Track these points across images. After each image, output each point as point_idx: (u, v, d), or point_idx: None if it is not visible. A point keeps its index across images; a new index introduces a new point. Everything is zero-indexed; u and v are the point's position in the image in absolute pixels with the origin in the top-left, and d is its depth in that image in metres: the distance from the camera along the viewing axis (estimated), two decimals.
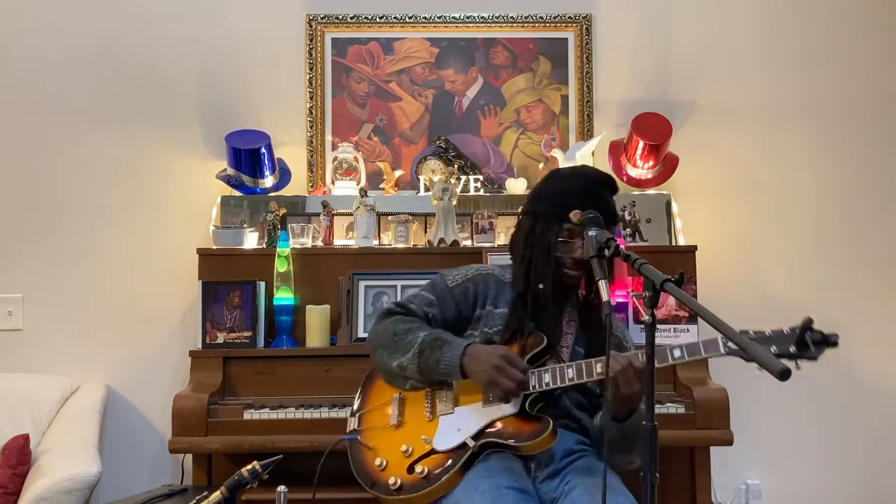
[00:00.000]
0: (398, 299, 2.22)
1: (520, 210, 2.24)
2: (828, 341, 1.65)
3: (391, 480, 1.99)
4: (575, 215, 1.96)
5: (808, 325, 1.66)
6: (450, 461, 1.96)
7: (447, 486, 1.93)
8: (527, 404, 1.98)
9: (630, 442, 1.95)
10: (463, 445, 1.98)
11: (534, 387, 1.96)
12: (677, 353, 1.84)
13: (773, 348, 1.67)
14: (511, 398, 1.97)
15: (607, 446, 1.77)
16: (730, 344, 1.75)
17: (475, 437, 1.98)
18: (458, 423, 2.02)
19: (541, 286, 2.06)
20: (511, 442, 1.93)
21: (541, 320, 2.06)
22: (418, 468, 1.98)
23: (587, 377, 1.92)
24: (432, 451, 2.00)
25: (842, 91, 3.49)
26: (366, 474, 2.05)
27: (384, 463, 2.03)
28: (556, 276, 2.08)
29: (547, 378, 1.96)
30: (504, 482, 1.87)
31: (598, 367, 1.91)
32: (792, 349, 1.67)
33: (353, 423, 2.18)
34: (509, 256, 2.22)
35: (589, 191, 2.08)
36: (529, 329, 2.05)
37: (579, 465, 2.00)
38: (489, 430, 1.98)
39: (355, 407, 2.21)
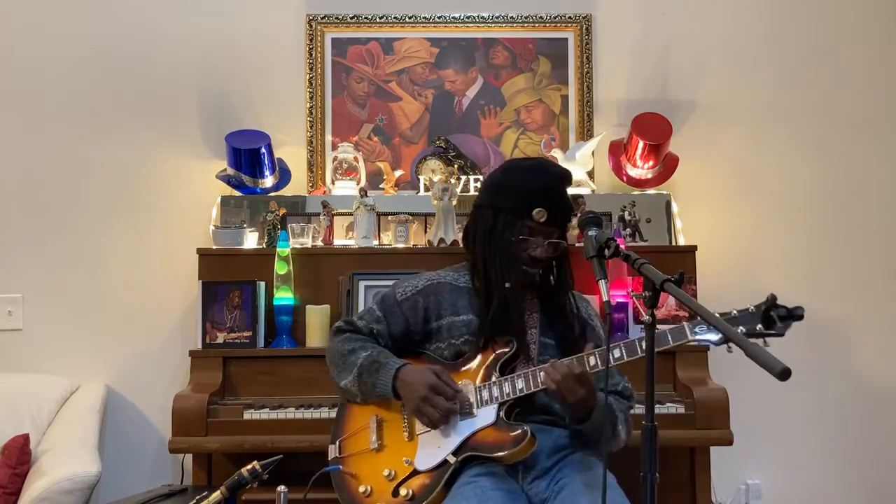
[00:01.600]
0: (349, 317, 2.24)
1: (476, 201, 2.20)
2: (793, 315, 1.66)
3: None
4: (538, 214, 1.97)
5: (772, 303, 1.67)
6: (433, 480, 1.96)
7: None
8: (503, 412, 1.97)
9: (600, 431, 1.95)
10: (444, 463, 1.96)
11: (508, 394, 1.97)
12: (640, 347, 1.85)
13: (742, 329, 1.68)
14: (440, 426, 1.98)
15: (606, 448, 1.77)
16: (696, 329, 1.79)
17: (455, 452, 1.96)
18: (437, 441, 2.00)
19: (507, 285, 2.04)
20: (492, 453, 1.93)
21: (507, 320, 2.05)
22: (403, 491, 1.97)
23: None
24: (415, 472, 1.99)
25: (841, 91, 3.49)
26: (352, 502, 2.05)
27: (369, 489, 2.02)
28: (516, 274, 2.06)
29: (520, 384, 1.96)
30: (489, 485, 1.88)
31: (576, 368, 1.90)
32: (759, 327, 1.69)
33: (333, 451, 2.15)
34: (464, 248, 2.20)
35: (551, 188, 2.07)
36: (496, 333, 2.04)
37: (569, 464, 1.99)
38: (469, 443, 1.97)
39: (335, 433, 2.19)
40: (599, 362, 1.88)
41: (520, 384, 1.96)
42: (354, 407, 2.18)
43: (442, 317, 2.12)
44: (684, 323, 1.83)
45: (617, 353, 1.87)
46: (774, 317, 1.67)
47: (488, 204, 2.13)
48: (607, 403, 1.97)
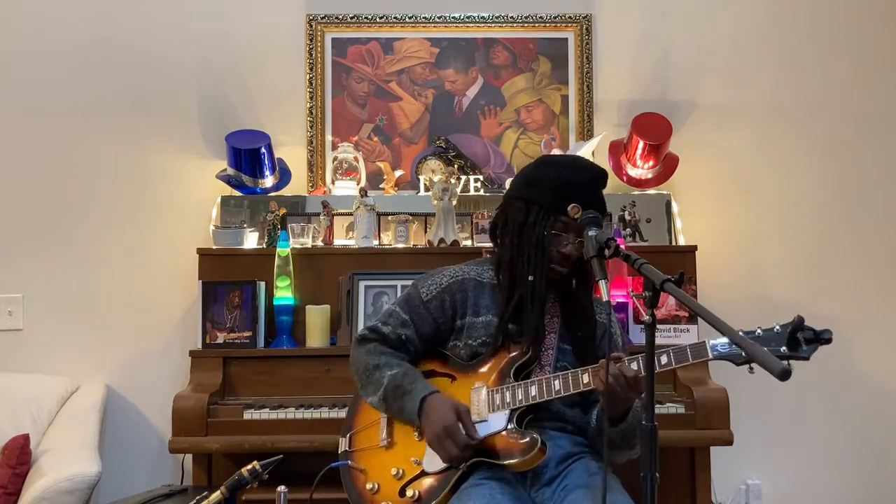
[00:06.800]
0: (374, 322, 2.14)
1: (507, 193, 2.13)
2: (820, 339, 1.62)
3: None
4: (573, 210, 1.90)
5: (799, 324, 1.63)
6: (440, 483, 1.93)
7: None
8: (514, 418, 1.93)
9: (630, 438, 1.93)
10: (451, 466, 1.94)
11: (520, 401, 1.93)
12: (664, 359, 1.79)
13: (764, 349, 1.62)
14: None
15: (607, 447, 1.76)
16: (718, 348, 1.73)
17: None
18: None
19: (531, 278, 1.99)
20: (500, 461, 1.90)
21: (526, 316, 2.00)
22: (409, 492, 1.96)
23: (574, 389, 1.89)
24: (422, 474, 1.97)
25: (841, 91, 3.49)
26: (358, 498, 2.04)
27: (376, 486, 2.01)
28: (544, 270, 2.02)
29: (533, 391, 1.92)
30: (497, 490, 1.86)
31: (585, 378, 1.88)
32: (783, 349, 1.64)
33: (344, 444, 2.14)
34: (490, 242, 2.16)
35: (588, 185, 2.03)
36: (514, 336, 2.00)
37: (575, 469, 1.97)
38: (477, 448, 1.93)
39: (346, 426, 2.17)
40: (642, 368, 1.80)
41: (533, 391, 1.92)
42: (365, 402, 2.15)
43: (465, 315, 2.08)
44: (707, 341, 1.75)
45: (664, 360, 1.79)
46: (800, 339, 1.62)
47: (521, 196, 2.07)
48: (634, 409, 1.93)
